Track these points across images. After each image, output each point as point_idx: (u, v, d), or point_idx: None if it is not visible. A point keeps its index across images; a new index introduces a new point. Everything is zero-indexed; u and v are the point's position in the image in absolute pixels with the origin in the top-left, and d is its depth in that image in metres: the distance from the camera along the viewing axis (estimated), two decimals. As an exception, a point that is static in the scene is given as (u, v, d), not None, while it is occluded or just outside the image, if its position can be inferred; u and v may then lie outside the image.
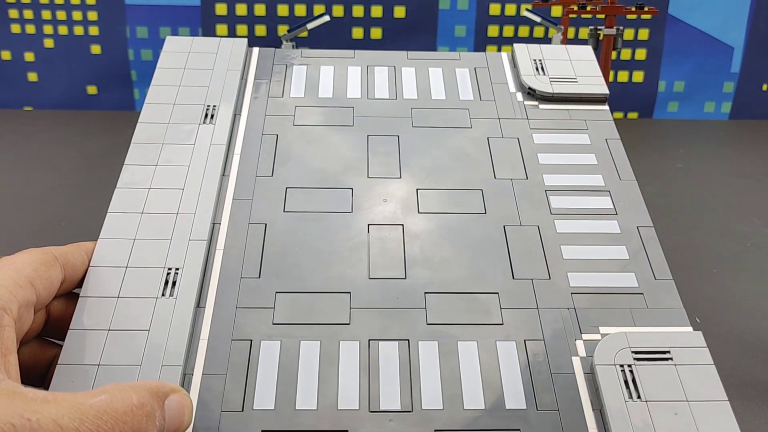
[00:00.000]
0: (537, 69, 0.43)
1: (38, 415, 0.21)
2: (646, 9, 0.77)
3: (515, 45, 0.44)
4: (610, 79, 0.91)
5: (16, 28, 0.85)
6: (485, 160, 0.38)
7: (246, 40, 0.44)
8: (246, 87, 0.42)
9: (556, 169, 0.37)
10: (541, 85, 0.42)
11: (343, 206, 0.35)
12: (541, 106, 0.41)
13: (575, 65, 0.43)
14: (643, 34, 0.85)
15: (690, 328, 0.30)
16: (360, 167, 0.37)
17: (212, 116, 0.39)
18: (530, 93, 0.42)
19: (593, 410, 0.27)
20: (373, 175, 0.37)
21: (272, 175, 0.37)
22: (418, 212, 0.35)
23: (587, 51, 0.44)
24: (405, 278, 0.32)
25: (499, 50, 0.46)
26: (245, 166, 0.37)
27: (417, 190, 0.36)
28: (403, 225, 0.35)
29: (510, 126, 0.40)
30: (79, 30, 0.85)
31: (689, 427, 0.26)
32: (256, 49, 0.45)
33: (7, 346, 0.25)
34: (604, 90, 0.41)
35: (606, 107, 0.41)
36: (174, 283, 0.31)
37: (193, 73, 0.41)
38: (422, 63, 0.44)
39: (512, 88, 0.43)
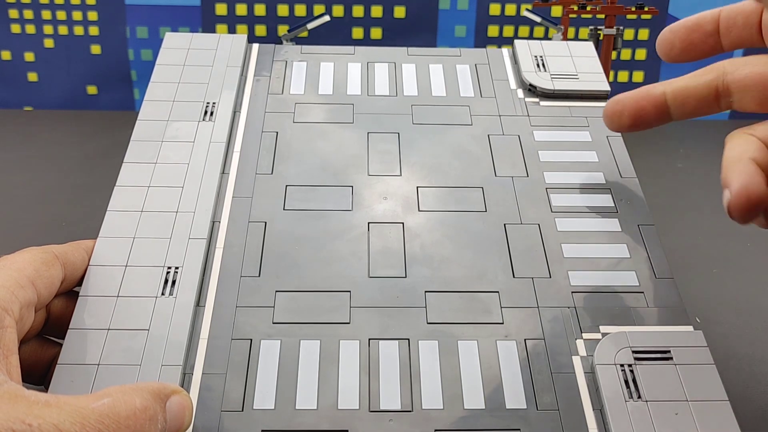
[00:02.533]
0: (538, 65, 0.43)
1: (40, 420, 0.21)
2: (646, 9, 0.77)
3: (516, 41, 0.44)
4: (610, 79, 0.91)
5: (16, 28, 0.85)
6: (486, 157, 0.38)
7: (245, 36, 0.44)
8: (246, 84, 0.42)
9: (557, 166, 0.37)
10: (542, 81, 0.41)
11: (343, 204, 0.35)
12: (542, 103, 0.41)
13: (576, 62, 0.43)
14: (643, 34, 0.85)
15: (691, 328, 0.30)
16: (360, 165, 0.37)
17: (212, 113, 0.39)
18: (531, 90, 0.42)
19: (593, 410, 0.27)
20: (373, 173, 0.37)
21: (272, 173, 0.37)
22: (419, 210, 0.35)
23: (588, 47, 0.44)
24: (405, 277, 0.32)
25: (500, 49, 0.46)
26: (245, 163, 0.37)
27: (417, 187, 0.36)
28: (403, 223, 0.34)
29: (511, 123, 0.40)
30: (79, 30, 0.85)
31: (690, 427, 0.26)
32: (255, 46, 0.45)
33: (9, 347, 0.25)
34: (605, 86, 0.41)
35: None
36: (174, 282, 0.31)
37: (192, 70, 0.41)
38: (423, 59, 0.44)
39: (513, 84, 0.42)
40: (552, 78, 0.42)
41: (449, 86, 0.42)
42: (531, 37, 0.94)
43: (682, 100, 0.28)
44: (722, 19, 0.30)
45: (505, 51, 0.45)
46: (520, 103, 0.41)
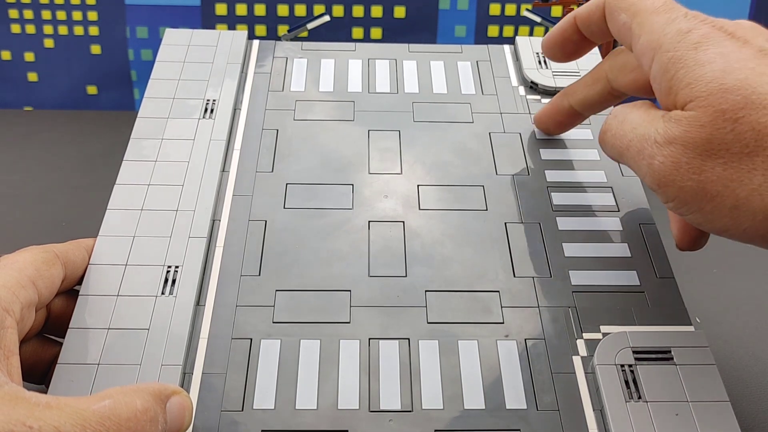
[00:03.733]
0: (539, 62, 0.42)
1: (40, 422, 0.21)
2: (646, 9, 0.77)
3: (518, 38, 0.44)
4: (611, 79, 0.90)
5: (16, 28, 0.85)
6: (487, 155, 0.38)
7: (246, 32, 0.44)
8: (246, 81, 0.42)
9: (558, 164, 0.37)
10: (544, 78, 0.41)
11: (343, 202, 0.35)
12: (544, 100, 0.41)
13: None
14: (644, 34, 0.85)
15: (692, 328, 0.30)
16: (361, 163, 0.37)
17: (212, 111, 0.39)
18: (533, 87, 0.42)
19: (593, 410, 0.27)
20: (374, 171, 0.37)
21: (272, 171, 0.37)
22: (419, 209, 0.35)
23: None
24: (405, 276, 0.32)
25: (500, 51, 0.46)
26: (245, 161, 0.37)
27: (418, 186, 0.36)
28: (404, 222, 0.34)
29: (512, 120, 0.40)
30: (79, 30, 0.85)
31: (690, 427, 0.26)
32: (256, 42, 0.45)
33: (10, 348, 0.25)
34: None
35: None
36: (174, 281, 0.31)
37: (192, 67, 0.41)
38: (424, 56, 0.44)
39: (514, 81, 0.42)
40: (554, 75, 0.42)
41: (450, 83, 0.42)
42: (531, 36, 0.94)
43: (587, 106, 0.36)
44: (580, 25, 0.33)
45: (507, 48, 0.45)
46: (521, 100, 0.41)
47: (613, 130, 0.30)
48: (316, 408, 0.27)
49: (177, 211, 0.34)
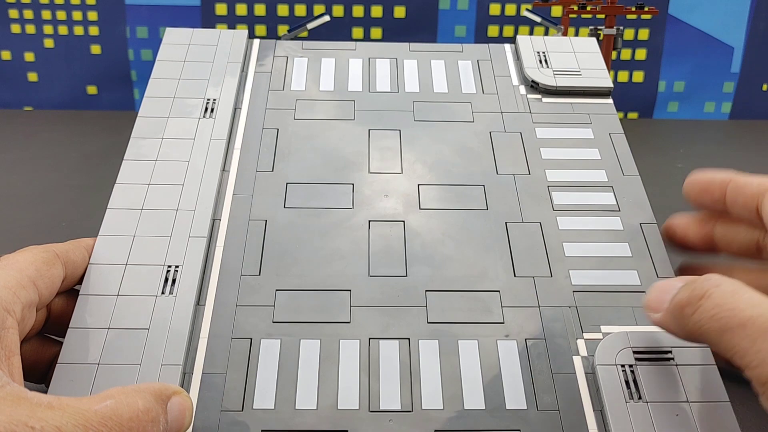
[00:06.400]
0: (540, 61, 0.42)
1: (42, 422, 0.21)
2: (646, 9, 0.77)
3: (519, 37, 0.44)
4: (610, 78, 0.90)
5: (16, 28, 0.85)
6: (487, 154, 0.38)
7: (246, 31, 0.44)
8: (246, 80, 0.42)
9: (559, 164, 0.37)
10: (545, 78, 0.41)
11: (343, 202, 0.35)
12: (545, 100, 0.41)
13: (579, 58, 0.43)
14: (643, 34, 0.85)
15: (692, 327, 0.30)
16: (361, 162, 0.37)
17: (212, 110, 0.39)
18: (533, 86, 0.42)
19: (594, 411, 0.27)
20: (374, 170, 0.37)
21: (272, 171, 0.37)
22: (420, 208, 0.35)
23: (591, 43, 0.44)
24: (406, 276, 0.32)
25: (500, 50, 0.46)
26: (245, 161, 0.37)
27: (418, 185, 0.36)
28: (404, 221, 0.34)
29: (512, 120, 0.40)
30: (79, 30, 0.85)
31: (690, 428, 0.26)
32: (256, 41, 0.44)
33: (11, 349, 0.25)
34: (608, 83, 0.41)
35: (610, 101, 0.41)
36: (174, 281, 0.31)
37: (193, 66, 0.41)
38: (424, 55, 0.44)
39: (515, 80, 0.42)
40: (554, 74, 0.42)
41: (451, 82, 0.42)
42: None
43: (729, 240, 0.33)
44: (728, 193, 0.31)
45: (508, 47, 0.45)
46: (522, 99, 0.41)
47: (717, 299, 0.24)
48: (316, 408, 0.27)
49: (177, 210, 0.34)
